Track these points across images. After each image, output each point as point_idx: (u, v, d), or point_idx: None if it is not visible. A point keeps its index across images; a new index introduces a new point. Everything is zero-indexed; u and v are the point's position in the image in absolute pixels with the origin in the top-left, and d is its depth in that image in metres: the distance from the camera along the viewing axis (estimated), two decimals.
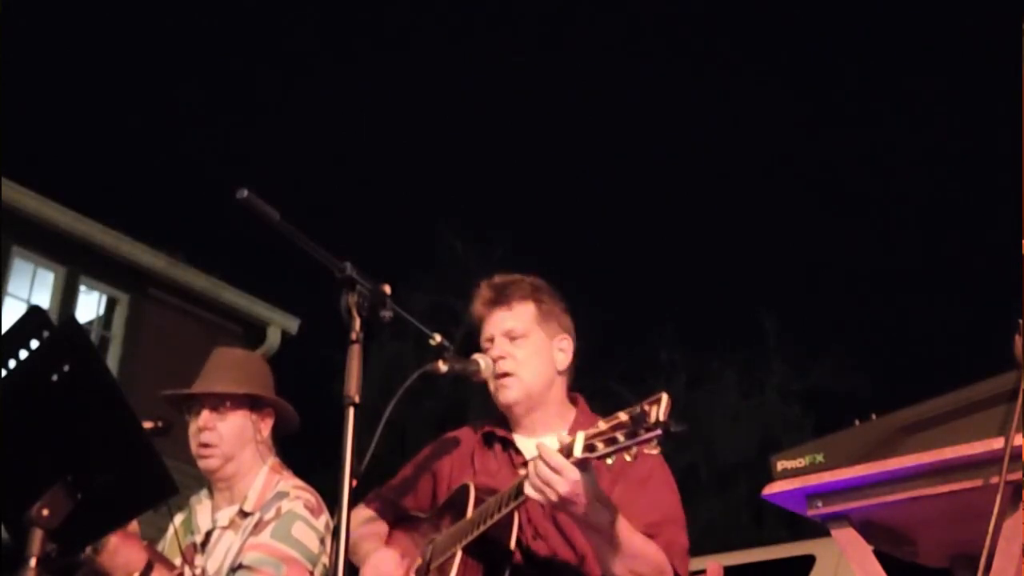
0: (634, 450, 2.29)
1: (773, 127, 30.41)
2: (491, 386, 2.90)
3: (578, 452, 2.36)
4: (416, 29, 32.58)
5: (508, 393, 2.87)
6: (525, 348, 2.88)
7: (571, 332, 2.99)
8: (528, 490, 2.44)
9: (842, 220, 29.23)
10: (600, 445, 2.32)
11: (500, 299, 2.94)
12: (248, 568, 2.95)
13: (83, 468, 2.30)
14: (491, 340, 2.91)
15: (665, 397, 2.25)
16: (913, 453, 2.44)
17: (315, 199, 24.39)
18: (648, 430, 2.25)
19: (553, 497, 2.40)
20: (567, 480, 2.37)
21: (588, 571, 2.73)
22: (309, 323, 14.91)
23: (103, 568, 2.79)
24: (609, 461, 2.34)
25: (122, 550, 2.78)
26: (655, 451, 2.31)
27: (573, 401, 2.99)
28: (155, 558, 2.88)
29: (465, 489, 2.79)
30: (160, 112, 27.91)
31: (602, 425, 2.34)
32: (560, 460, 2.38)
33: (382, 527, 3.02)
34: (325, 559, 3.02)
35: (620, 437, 2.29)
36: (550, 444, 2.44)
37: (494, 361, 2.86)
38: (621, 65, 30.39)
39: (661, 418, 2.23)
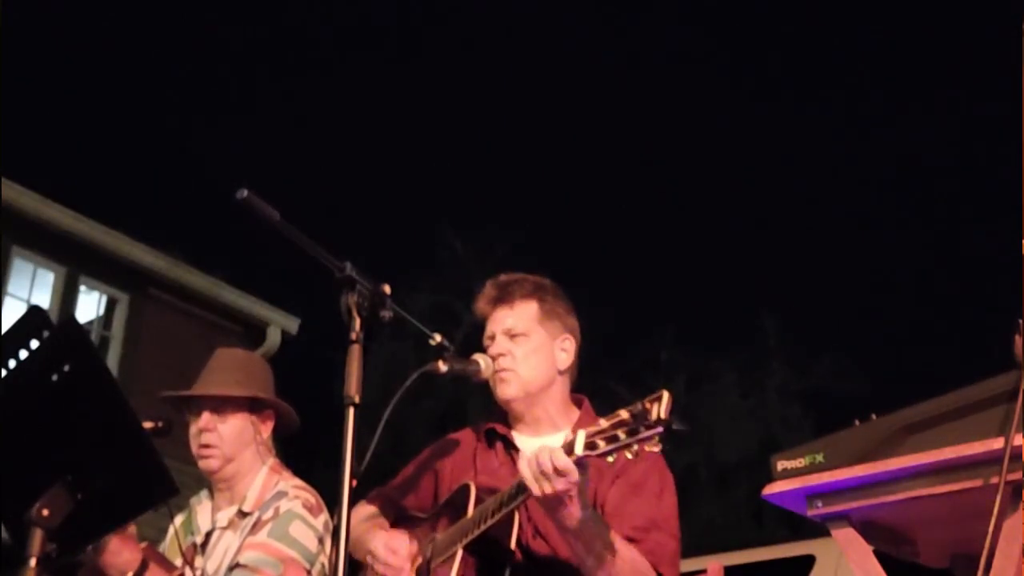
0: (635, 448, 2.29)
1: (773, 128, 30.42)
2: (491, 383, 2.90)
3: (579, 450, 2.36)
4: (417, 29, 32.59)
5: (505, 388, 2.87)
6: (524, 346, 2.88)
7: (575, 332, 2.98)
8: (524, 470, 2.43)
9: (842, 220, 29.25)
10: (601, 443, 2.32)
11: (502, 297, 2.95)
12: (245, 567, 2.94)
13: (83, 468, 2.30)
14: (492, 338, 2.92)
15: (666, 395, 2.25)
16: (913, 453, 2.44)
17: (315, 199, 24.41)
18: (649, 428, 2.24)
19: (548, 490, 2.40)
20: (569, 481, 2.38)
21: None
22: (309, 323, 14.92)
23: (103, 569, 2.79)
24: (610, 459, 2.34)
25: (123, 551, 2.79)
26: (656, 448, 2.31)
27: (578, 403, 2.98)
28: (152, 558, 2.88)
29: (466, 488, 2.79)
30: (160, 112, 27.92)
31: (603, 423, 2.34)
32: (567, 463, 2.37)
33: (383, 523, 3.02)
34: (323, 558, 3.02)
35: (621, 435, 2.29)
36: (555, 444, 2.44)
37: (494, 359, 2.87)
38: (622, 66, 30.39)
39: (662, 415, 2.23)
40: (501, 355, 2.87)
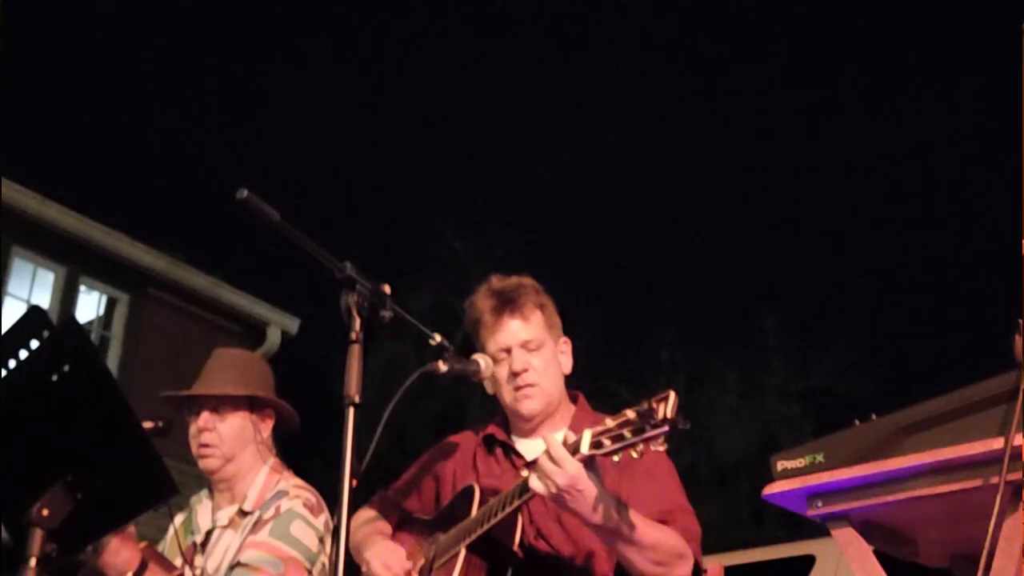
0: (640, 447, 2.29)
1: (773, 127, 30.42)
2: (507, 396, 2.88)
3: (585, 449, 2.36)
4: (417, 29, 32.58)
5: (532, 404, 2.86)
6: (542, 358, 2.88)
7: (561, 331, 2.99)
8: (533, 482, 2.44)
9: (842, 220, 29.25)
10: (607, 442, 2.33)
11: (511, 308, 2.90)
12: (246, 566, 2.95)
13: (83, 468, 2.29)
14: (507, 351, 2.87)
15: (673, 395, 2.25)
16: (913, 453, 2.44)
17: (315, 199, 24.41)
18: (655, 427, 2.25)
19: (552, 488, 2.40)
20: (566, 472, 2.37)
21: (591, 569, 2.73)
22: (309, 323, 14.92)
23: (102, 568, 2.79)
24: (616, 458, 2.34)
25: (122, 551, 2.79)
26: (662, 448, 2.31)
27: (573, 399, 2.99)
28: (151, 558, 2.88)
29: (469, 490, 2.79)
30: (160, 112, 27.92)
31: (609, 422, 2.34)
32: (562, 453, 2.39)
33: (386, 526, 3.02)
34: (324, 558, 3.02)
35: (627, 434, 2.29)
36: (557, 438, 2.45)
37: (516, 374, 2.85)
38: (621, 65, 30.40)
39: (669, 415, 2.23)
40: (524, 371, 2.85)
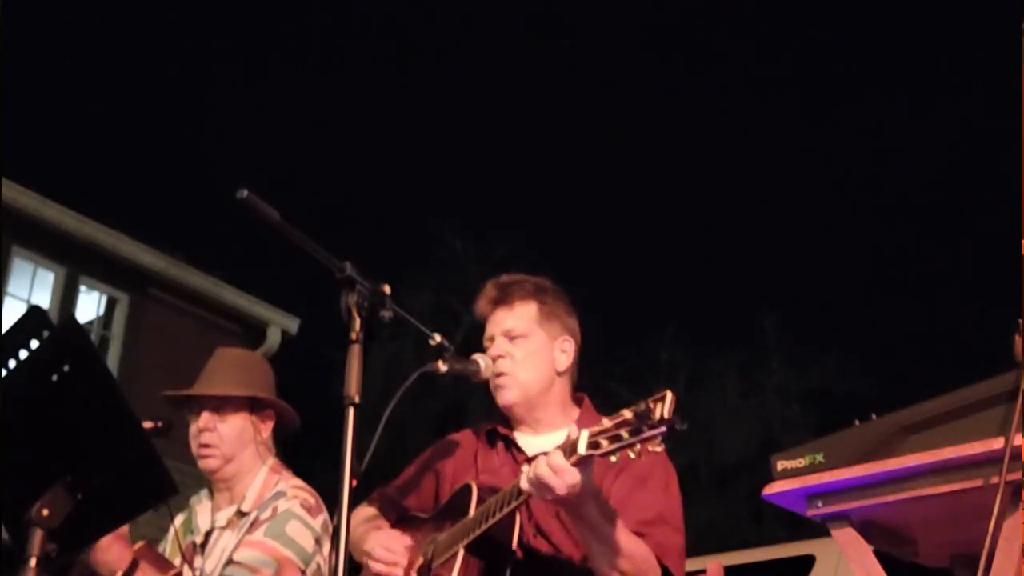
0: (638, 447, 2.29)
1: (773, 127, 30.42)
2: (491, 388, 2.90)
3: (582, 449, 2.36)
4: (417, 28, 32.59)
5: (505, 394, 2.87)
6: (523, 348, 2.88)
7: (575, 333, 2.98)
8: (524, 485, 2.45)
9: (842, 220, 29.24)
10: (604, 442, 2.32)
11: (502, 298, 2.94)
12: (239, 564, 2.95)
13: (83, 468, 2.29)
14: (491, 339, 2.92)
15: (670, 395, 2.24)
16: (913, 453, 2.44)
17: (315, 199, 24.40)
18: (652, 427, 2.24)
19: (550, 497, 2.41)
20: (565, 482, 2.37)
21: (590, 569, 2.73)
22: (309, 323, 14.93)
23: (93, 566, 2.80)
24: (613, 459, 2.34)
25: (113, 548, 2.79)
26: (659, 448, 2.31)
27: (578, 401, 2.98)
28: (146, 557, 2.88)
29: (467, 489, 2.79)
30: (160, 112, 27.91)
31: (606, 423, 2.34)
32: (560, 461, 2.38)
33: (384, 524, 3.02)
34: (319, 559, 3.02)
35: (624, 434, 2.29)
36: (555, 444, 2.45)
37: (493, 360, 2.87)
38: (621, 65, 30.40)
39: (666, 415, 2.22)
40: (500, 357, 2.87)
